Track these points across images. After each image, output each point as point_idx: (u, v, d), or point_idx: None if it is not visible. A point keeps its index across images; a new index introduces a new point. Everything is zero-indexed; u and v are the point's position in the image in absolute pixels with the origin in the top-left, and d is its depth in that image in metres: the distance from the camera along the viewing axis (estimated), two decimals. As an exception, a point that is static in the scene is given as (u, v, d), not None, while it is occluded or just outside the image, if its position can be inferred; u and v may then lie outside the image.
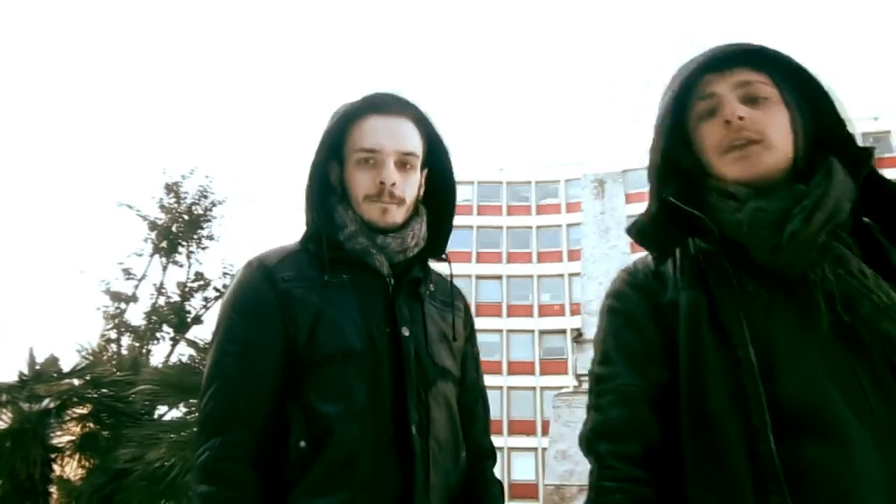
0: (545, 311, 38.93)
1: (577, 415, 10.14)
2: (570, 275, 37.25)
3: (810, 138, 1.23)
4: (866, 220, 1.22)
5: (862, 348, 1.07)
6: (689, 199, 1.25)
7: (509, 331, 38.30)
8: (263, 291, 1.47)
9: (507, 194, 42.43)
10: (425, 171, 1.65)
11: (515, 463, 34.84)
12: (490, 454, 1.72)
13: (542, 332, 38.37)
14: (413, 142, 1.57)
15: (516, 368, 37.18)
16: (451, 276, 1.71)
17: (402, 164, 1.55)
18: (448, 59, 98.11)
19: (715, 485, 1.07)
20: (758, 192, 1.19)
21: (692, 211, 1.22)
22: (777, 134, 1.20)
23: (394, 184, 1.52)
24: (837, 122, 1.22)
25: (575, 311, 34.04)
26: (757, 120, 1.20)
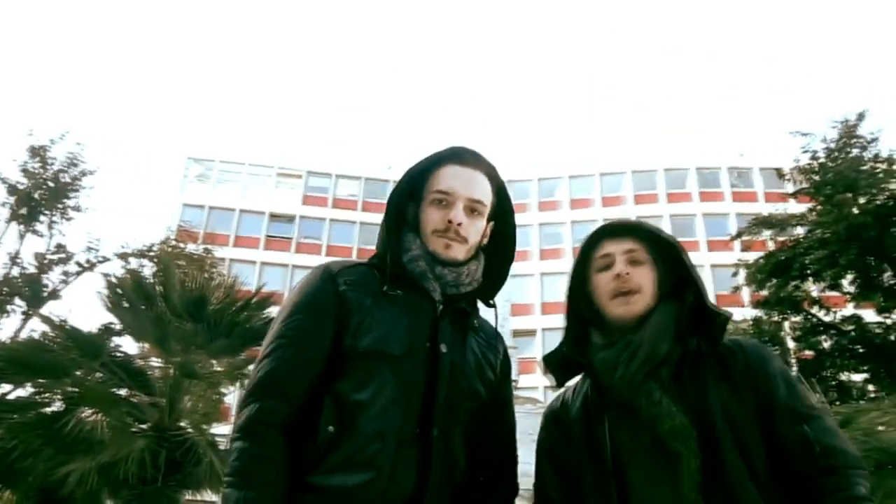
0: (422, 312, 39.20)
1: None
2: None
3: (669, 286, 1.75)
4: (697, 341, 1.69)
5: (669, 456, 1.55)
6: (583, 341, 1.81)
7: (385, 330, 38.29)
8: (324, 290, 1.67)
9: (394, 193, 42.46)
10: (491, 224, 1.87)
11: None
12: (512, 490, 1.84)
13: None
14: (483, 192, 1.81)
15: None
16: (497, 319, 1.90)
17: (471, 209, 1.78)
18: (344, 54, 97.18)
19: None
20: (623, 331, 1.71)
21: (580, 359, 1.78)
22: (648, 286, 1.73)
23: (460, 224, 1.74)
24: (687, 272, 1.74)
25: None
26: (637, 276, 1.73)
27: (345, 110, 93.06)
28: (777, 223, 16.51)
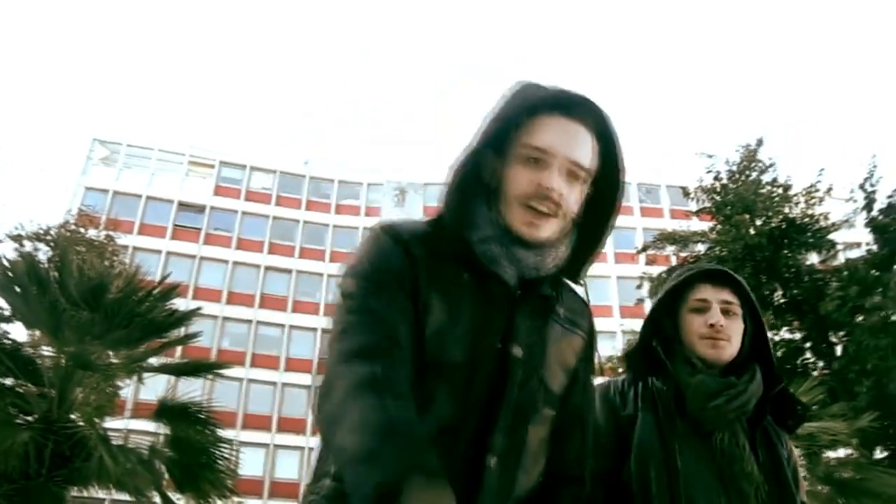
0: (331, 310, 38.70)
1: (349, 417, 10.19)
2: (361, 278, 37.41)
3: (749, 344, 1.98)
4: (768, 416, 1.96)
5: (734, 490, 1.81)
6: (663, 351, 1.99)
7: (292, 326, 37.71)
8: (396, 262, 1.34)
9: (309, 188, 41.91)
10: (591, 190, 1.43)
11: (281, 461, 34.24)
12: (577, 481, 1.49)
13: (324, 332, 38.05)
14: (587, 154, 1.38)
15: (295, 365, 36.61)
16: (588, 297, 1.61)
17: (571, 173, 1.36)
18: (266, 44, 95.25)
19: None
20: (708, 369, 1.91)
21: (666, 361, 1.94)
22: (736, 339, 1.95)
23: (556, 191, 1.33)
24: (764, 342, 2.01)
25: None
26: (729, 328, 1.93)
27: (263, 101, 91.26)
28: (680, 239, 17.16)
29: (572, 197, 1.37)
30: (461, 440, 1.25)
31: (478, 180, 1.39)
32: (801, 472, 2.06)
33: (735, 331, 1.96)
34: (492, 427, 1.27)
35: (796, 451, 2.04)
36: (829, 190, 15.96)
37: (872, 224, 15.19)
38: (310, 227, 40.87)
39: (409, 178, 40.77)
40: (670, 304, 2.04)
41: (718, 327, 1.92)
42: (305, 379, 36.33)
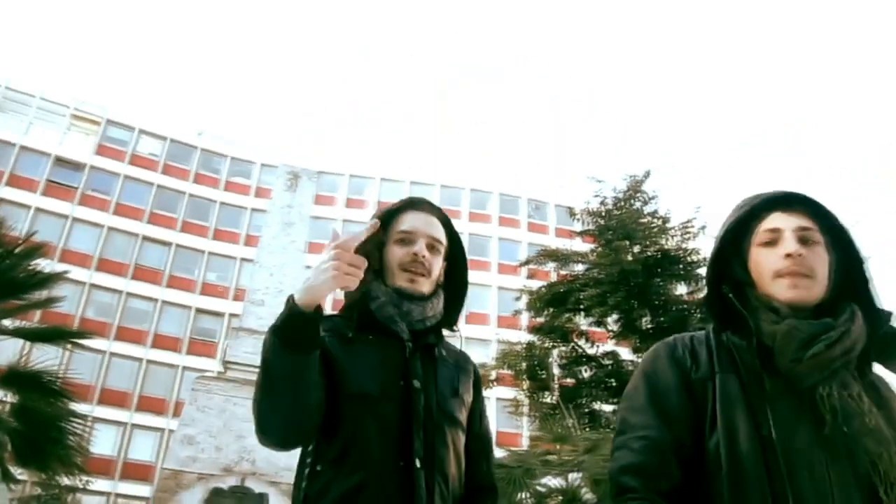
0: (208, 289, 37.60)
1: (214, 401, 9.87)
2: (244, 259, 36.54)
3: (839, 281, 1.57)
4: (874, 363, 1.55)
5: (849, 455, 1.38)
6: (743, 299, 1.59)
7: (165, 301, 36.27)
8: None
9: (200, 161, 40.46)
10: (445, 264, 2.04)
11: (136, 441, 32.81)
12: (490, 489, 1.96)
13: (199, 311, 36.95)
14: (440, 233, 2.00)
15: (162, 342, 35.24)
16: (462, 341, 2.09)
17: (431, 246, 1.96)
18: (186, 14, 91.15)
19: None
20: (795, 313, 1.51)
21: (743, 311, 1.55)
22: (821, 272, 1.55)
23: (424, 256, 1.92)
24: (861, 278, 1.57)
25: (239, 296, 33.38)
26: (810, 259, 1.54)
27: (163, 62, 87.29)
28: (561, 257, 17.69)
29: (435, 262, 1.96)
30: (390, 451, 1.70)
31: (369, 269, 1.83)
32: None
33: (818, 262, 1.55)
34: (411, 440, 1.71)
35: None
36: (703, 228, 16.93)
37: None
38: (196, 200, 39.44)
39: (304, 164, 40.16)
40: (736, 243, 1.65)
41: (797, 257, 1.53)
42: (173, 358, 35.05)
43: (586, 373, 16.56)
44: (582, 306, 16.39)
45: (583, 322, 17.39)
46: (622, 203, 17.44)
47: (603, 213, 17.33)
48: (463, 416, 1.91)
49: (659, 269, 16.15)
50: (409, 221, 1.98)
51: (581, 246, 18.39)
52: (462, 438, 1.88)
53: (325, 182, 37.07)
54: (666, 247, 16.55)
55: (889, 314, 1.56)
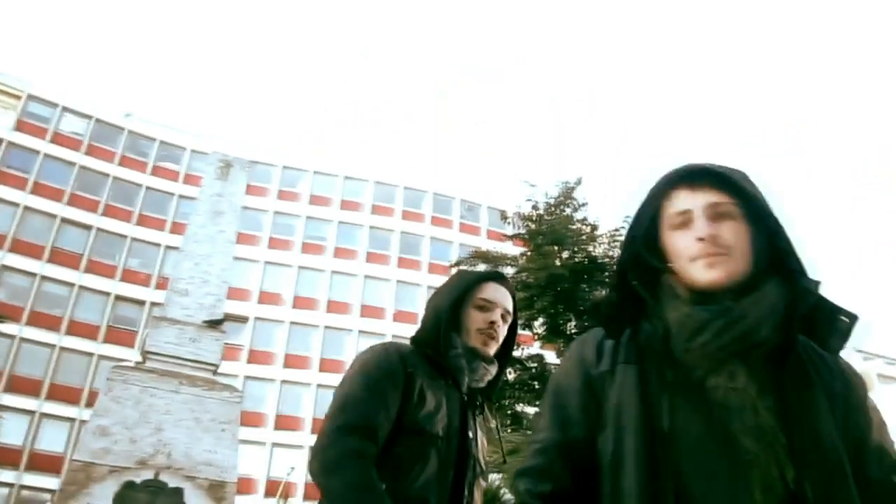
0: (129, 276, 36.46)
1: (131, 392, 9.54)
2: (168, 247, 35.58)
3: (764, 255, 1.40)
4: (804, 337, 1.38)
5: (733, 454, 1.28)
6: (646, 290, 1.47)
7: (82, 287, 34.99)
8: (397, 366, 2.08)
9: (126, 143, 39.15)
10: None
11: (46, 431, 31.55)
12: None
13: (119, 298, 35.78)
14: (511, 307, 2.32)
15: (78, 329, 34.00)
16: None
17: (503, 317, 2.29)
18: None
19: None
20: (697, 299, 1.38)
21: (649, 299, 1.44)
22: (740, 247, 1.39)
23: (499, 325, 2.26)
24: (786, 248, 1.40)
25: (162, 285, 32.46)
26: (724, 236, 1.39)
27: (94, 38, 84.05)
28: (492, 259, 17.84)
29: (503, 332, 2.30)
30: (444, 490, 2.03)
31: (449, 323, 2.23)
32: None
33: (734, 237, 1.39)
34: (462, 480, 2.08)
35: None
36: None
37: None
38: (121, 184, 38.19)
39: (237, 152, 39.30)
40: (648, 228, 1.51)
41: (709, 239, 1.38)
42: (89, 346, 33.84)
43: (511, 375, 16.76)
44: (510, 309, 16.57)
45: (510, 324, 17.56)
46: (553, 209, 17.70)
47: (534, 218, 17.56)
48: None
49: (586, 276, 16.45)
50: (490, 292, 2.28)
51: (512, 249, 18.59)
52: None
53: (257, 172, 36.40)
54: (594, 254, 16.88)
55: (815, 284, 1.38)
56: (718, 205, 1.41)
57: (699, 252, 1.39)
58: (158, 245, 37.28)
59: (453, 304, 2.27)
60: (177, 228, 34.88)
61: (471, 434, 2.15)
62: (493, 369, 2.27)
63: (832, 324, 1.36)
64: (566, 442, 1.45)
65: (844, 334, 1.36)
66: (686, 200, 1.44)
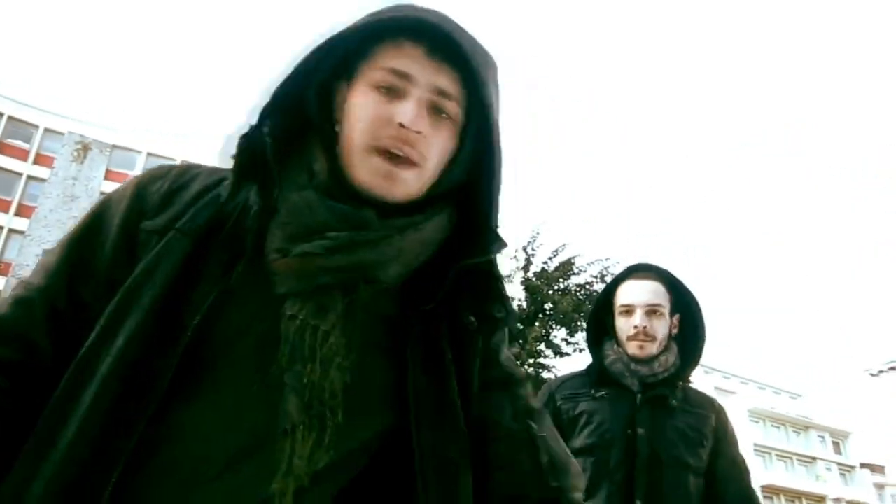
0: (-34, 260, 33.47)
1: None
2: (12, 230, 32.91)
3: (458, 173, 1.00)
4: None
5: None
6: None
7: None
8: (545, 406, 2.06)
9: (-31, 116, 35.92)
10: (677, 317, 2.25)
11: None
12: None
13: None
14: (657, 296, 2.20)
15: None
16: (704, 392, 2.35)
17: (652, 312, 2.17)
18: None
19: None
20: (364, 205, 0.89)
21: (277, 176, 0.91)
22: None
23: (645, 327, 2.15)
24: (490, 171, 1.00)
25: (4, 270, 30.07)
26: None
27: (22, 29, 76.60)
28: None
29: (660, 325, 2.19)
30: (617, 490, 2.02)
31: (603, 329, 2.30)
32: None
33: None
34: (632, 483, 2.02)
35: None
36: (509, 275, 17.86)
37: (526, 283, 17.35)
38: (-42, 160, 34.99)
39: (97, 134, 36.93)
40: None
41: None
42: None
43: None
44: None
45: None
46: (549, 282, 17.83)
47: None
48: (695, 460, 2.10)
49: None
50: (626, 293, 2.25)
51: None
52: (694, 480, 2.08)
53: (119, 157, 34.35)
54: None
55: (494, 238, 1.02)
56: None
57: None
58: (1, 228, 34.47)
59: (596, 318, 2.45)
60: (23, 211, 32.34)
61: (641, 431, 2.20)
62: (665, 360, 2.24)
63: (485, 289, 1.04)
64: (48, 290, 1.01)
65: (488, 314, 1.04)
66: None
